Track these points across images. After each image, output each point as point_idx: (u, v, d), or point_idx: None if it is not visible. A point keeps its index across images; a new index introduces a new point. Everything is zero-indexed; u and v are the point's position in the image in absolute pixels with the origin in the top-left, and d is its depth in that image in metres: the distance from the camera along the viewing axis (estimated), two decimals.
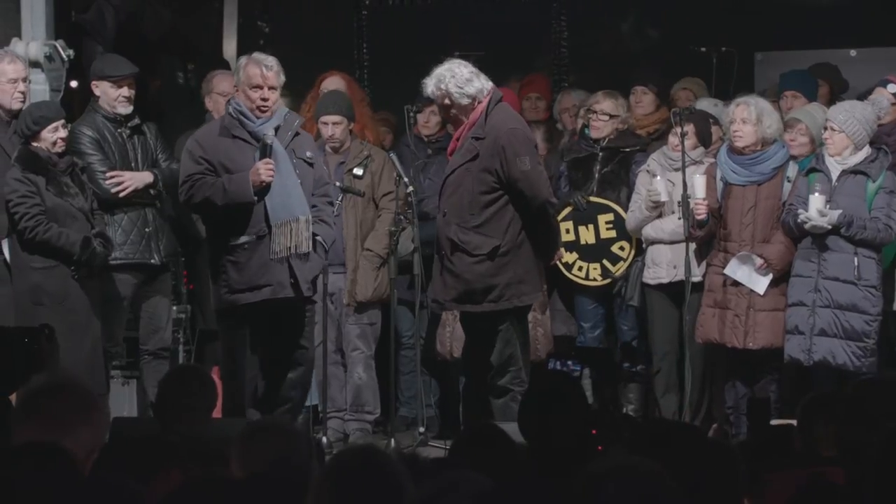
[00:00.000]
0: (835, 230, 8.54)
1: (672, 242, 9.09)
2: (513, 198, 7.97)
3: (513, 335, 8.10)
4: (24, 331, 7.06)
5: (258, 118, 7.90)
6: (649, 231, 9.19)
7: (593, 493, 3.24)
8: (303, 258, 7.90)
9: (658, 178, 9.10)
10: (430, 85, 8.07)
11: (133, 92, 8.87)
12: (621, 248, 9.42)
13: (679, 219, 8.92)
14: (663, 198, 9.08)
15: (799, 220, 8.59)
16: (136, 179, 8.78)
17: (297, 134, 8.07)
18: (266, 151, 7.82)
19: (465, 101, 8.02)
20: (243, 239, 7.83)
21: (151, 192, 8.84)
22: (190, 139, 8.08)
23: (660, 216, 9.19)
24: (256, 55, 8.00)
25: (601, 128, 9.44)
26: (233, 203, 7.78)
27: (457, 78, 8.02)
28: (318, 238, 8.00)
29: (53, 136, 8.33)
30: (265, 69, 7.89)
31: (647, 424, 8.29)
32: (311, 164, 8.10)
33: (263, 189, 7.79)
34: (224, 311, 7.96)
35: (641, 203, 9.18)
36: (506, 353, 8.07)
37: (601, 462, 3.33)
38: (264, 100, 7.89)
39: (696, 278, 8.98)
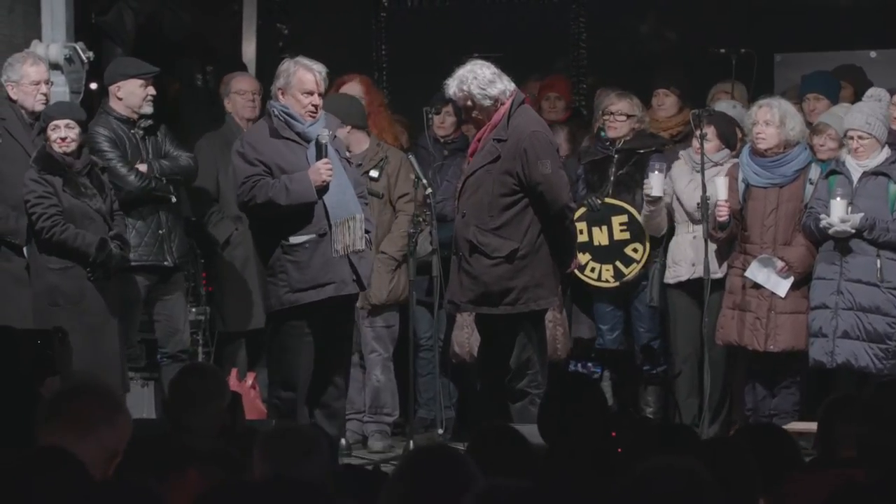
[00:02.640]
0: (857, 234, 8.53)
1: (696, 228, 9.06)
2: (532, 201, 7.96)
3: (529, 339, 8.10)
4: (36, 333, 7.08)
5: (306, 121, 7.95)
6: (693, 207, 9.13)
7: (641, 492, 3.24)
8: (360, 254, 7.96)
9: (655, 172, 9.08)
10: (452, 86, 8.07)
11: (155, 92, 8.95)
12: (634, 250, 9.41)
13: (697, 221, 8.91)
14: (654, 192, 9.06)
15: (821, 226, 8.58)
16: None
17: (335, 136, 8.15)
18: (323, 151, 7.88)
19: (488, 103, 8.01)
20: (304, 238, 7.86)
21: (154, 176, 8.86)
22: (239, 143, 8.05)
23: (660, 213, 9.17)
24: (304, 60, 8.01)
25: (619, 128, 9.43)
26: (296, 203, 7.81)
27: (479, 79, 8.01)
28: (369, 234, 8.08)
29: (53, 134, 8.35)
30: (318, 75, 7.95)
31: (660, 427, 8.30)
32: (350, 163, 8.25)
33: (322, 188, 7.85)
34: (283, 312, 7.97)
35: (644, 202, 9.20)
36: (523, 356, 8.07)
37: (648, 462, 3.32)
38: (315, 105, 7.95)
39: (717, 275, 8.94)
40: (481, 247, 7.98)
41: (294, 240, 7.86)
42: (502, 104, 8.02)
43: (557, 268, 8.17)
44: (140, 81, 8.87)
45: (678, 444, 4.49)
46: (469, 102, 8.04)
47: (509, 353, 8.09)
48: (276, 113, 7.93)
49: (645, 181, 9.12)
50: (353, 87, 9.63)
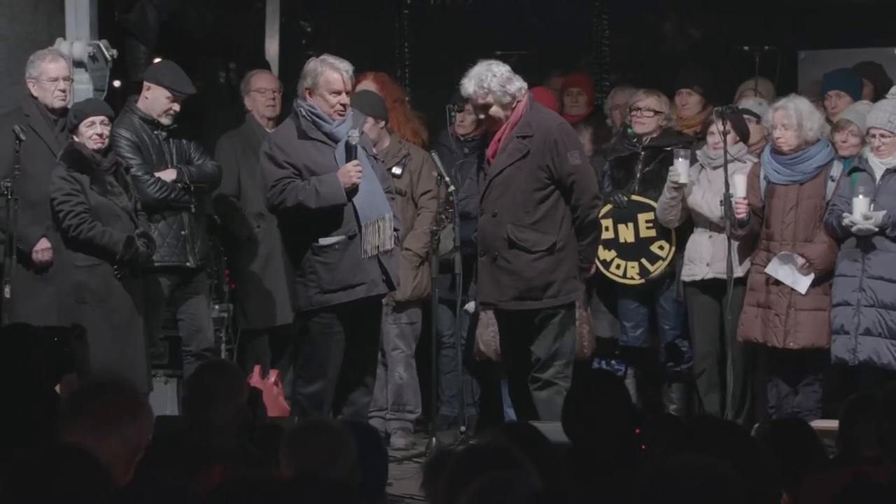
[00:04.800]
0: (880, 231, 8.51)
1: (715, 227, 9.04)
2: (563, 193, 8.02)
3: (565, 329, 8.14)
4: (53, 330, 7.09)
5: (334, 121, 7.95)
6: (702, 204, 9.09)
7: (661, 491, 3.23)
8: (389, 254, 7.99)
9: (680, 159, 9.07)
10: (470, 85, 8.07)
11: (179, 109, 8.92)
12: (660, 248, 9.40)
13: (721, 217, 8.88)
14: (682, 179, 9.05)
15: (844, 224, 8.56)
16: (162, 177, 8.83)
17: (361, 132, 8.18)
18: (352, 153, 7.89)
19: (507, 100, 8.03)
20: (334, 239, 7.88)
21: (179, 185, 8.86)
22: (268, 144, 8.04)
23: (682, 203, 9.16)
24: (329, 59, 8.01)
25: (646, 123, 9.43)
26: (326, 205, 7.82)
27: (498, 77, 8.03)
28: (397, 232, 8.13)
29: (89, 130, 8.37)
30: (345, 74, 7.96)
31: (687, 421, 8.27)
32: (377, 160, 8.28)
33: (352, 190, 7.86)
34: (312, 312, 7.97)
35: (665, 188, 9.18)
36: (554, 347, 8.11)
37: (670, 460, 3.32)
38: (343, 104, 7.95)
39: (737, 274, 8.92)
40: (521, 242, 8.01)
41: (324, 241, 7.88)
42: (519, 102, 8.05)
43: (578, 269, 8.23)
44: (168, 94, 8.87)
45: (711, 437, 4.46)
46: (489, 99, 8.05)
47: (536, 345, 8.12)
48: (304, 113, 7.93)
49: (671, 168, 9.11)
50: (368, 85, 9.60)
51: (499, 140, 8.13)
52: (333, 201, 7.83)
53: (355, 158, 7.89)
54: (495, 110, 8.08)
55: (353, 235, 7.91)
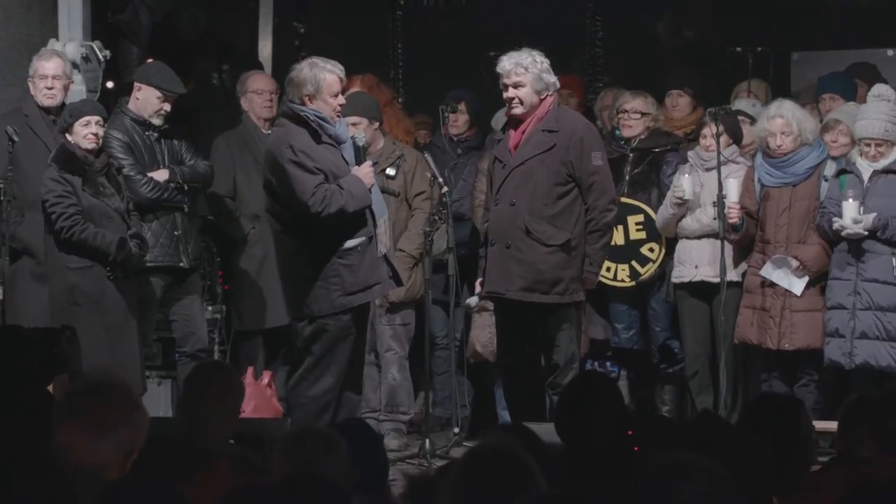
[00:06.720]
0: (871, 234, 8.51)
1: (705, 236, 9.05)
2: (581, 192, 8.10)
3: (578, 333, 8.25)
4: (43, 332, 7.09)
5: (335, 123, 7.99)
6: (689, 222, 9.12)
7: (656, 490, 3.23)
8: (389, 251, 8.09)
9: (687, 175, 9.07)
10: (508, 62, 8.16)
11: (170, 109, 8.93)
12: (650, 250, 9.39)
13: (714, 219, 8.88)
14: (687, 195, 9.04)
15: (834, 228, 8.56)
16: (155, 177, 8.83)
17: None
18: (362, 154, 7.97)
19: (540, 86, 8.14)
20: (357, 241, 7.90)
21: (172, 185, 8.85)
22: (291, 152, 7.89)
23: (683, 215, 9.15)
24: (321, 63, 7.97)
25: (634, 126, 9.44)
26: (359, 208, 7.86)
27: (539, 63, 8.16)
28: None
29: (85, 129, 8.36)
30: (340, 73, 7.98)
31: (686, 420, 8.28)
32: None
33: (369, 190, 7.95)
34: (334, 315, 7.95)
35: (667, 200, 9.17)
36: (570, 350, 8.18)
37: (662, 459, 3.32)
38: (341, 105, 7.99)
39: (730, 278, 8.92)
40: (537, 234, 8.05)
41: (349, 244, 7.90)
42: (549, 96, 8.18)
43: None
44: (159, 94, 8.87)
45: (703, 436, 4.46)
46: (522, 79, 8.13)
47: (546, 343, 8.14)
48: (312, 118, 7.92)
49: (675, 184, 9.09)
50: (357, 88, 9.58)
51: (523, 132, 8.20)
52: (363, 203, 7.89)
53: (365, 160, 7.94)
54: (526, 92, 8.14)
55: (371, 236, 7.95)
